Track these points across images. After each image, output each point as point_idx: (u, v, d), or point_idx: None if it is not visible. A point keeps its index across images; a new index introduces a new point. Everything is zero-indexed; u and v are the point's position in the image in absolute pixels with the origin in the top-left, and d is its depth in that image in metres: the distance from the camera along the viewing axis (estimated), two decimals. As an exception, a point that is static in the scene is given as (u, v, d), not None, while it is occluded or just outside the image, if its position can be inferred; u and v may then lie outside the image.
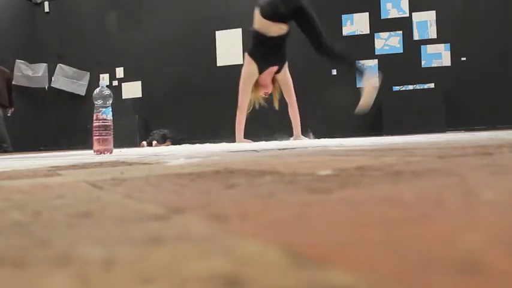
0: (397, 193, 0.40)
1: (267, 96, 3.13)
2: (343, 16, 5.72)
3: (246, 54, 3.02)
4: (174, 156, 1.46)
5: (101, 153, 2.28)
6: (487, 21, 5.35)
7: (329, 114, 5.60)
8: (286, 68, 3.07)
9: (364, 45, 5.63)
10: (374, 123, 5.26)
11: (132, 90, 6.51)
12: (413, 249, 0.21)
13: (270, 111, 3.13)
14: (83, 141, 6.19)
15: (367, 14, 5.67)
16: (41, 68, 6.69)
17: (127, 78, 6.53)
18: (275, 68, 2.99)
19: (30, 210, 0.40)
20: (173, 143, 5.63)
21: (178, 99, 6.24)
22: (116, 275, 0.19)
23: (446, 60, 5.48)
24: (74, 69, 6.68)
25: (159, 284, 0.17)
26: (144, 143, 5.70)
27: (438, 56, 5.49)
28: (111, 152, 2.32)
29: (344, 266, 0.19)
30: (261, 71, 2.94)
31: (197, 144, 4.15)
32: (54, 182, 0.70)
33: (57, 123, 6.82)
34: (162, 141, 5.70)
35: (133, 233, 0.28)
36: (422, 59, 5.52)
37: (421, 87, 5.29)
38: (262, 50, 2.90)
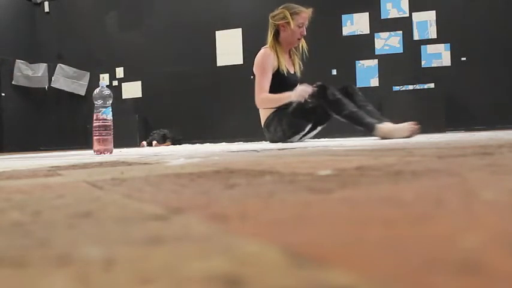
0: (397, 193, 0.40)
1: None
2: (343, 16, 5.72)
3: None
4: (174, 156, 1.46)
5: (101, 153, 2.28)
6: (487, 21, 5.35)
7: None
8: None
9: (364, 45, 5.63)
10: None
11: (132, 90, 6.51)
12: (413, 249, 0.21)
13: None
14: (83, 141, 6.20)
15: (367, 14, 5.67)
16: (41, 68, 6.68)
17: (127, 78, 6.52)
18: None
19: (30, 210, 0.40)
20: (173, 143, 5.63)
21: (178, 99, 6.23)
22: (116, 275, 0.19)
23: (446, 60, 5.47)
24: (74, 69, 6.68)
25: (159, 284, 0.17)
26: (144, 143, 5.70)
27: (438, 56, 5.49)
28: (111, 152, 2.32)
29: (344, 266, 0.19)
30: None
31: (197, 144, 4.16)
32: (54, 182, 0.70)
33: (57, 123, 6.82)
34: (162, 141, 5.70)
35: (133, 233, 0.28)
36: (422, 59, 5.52)
37: (421, 87, 5.29)
38: None
